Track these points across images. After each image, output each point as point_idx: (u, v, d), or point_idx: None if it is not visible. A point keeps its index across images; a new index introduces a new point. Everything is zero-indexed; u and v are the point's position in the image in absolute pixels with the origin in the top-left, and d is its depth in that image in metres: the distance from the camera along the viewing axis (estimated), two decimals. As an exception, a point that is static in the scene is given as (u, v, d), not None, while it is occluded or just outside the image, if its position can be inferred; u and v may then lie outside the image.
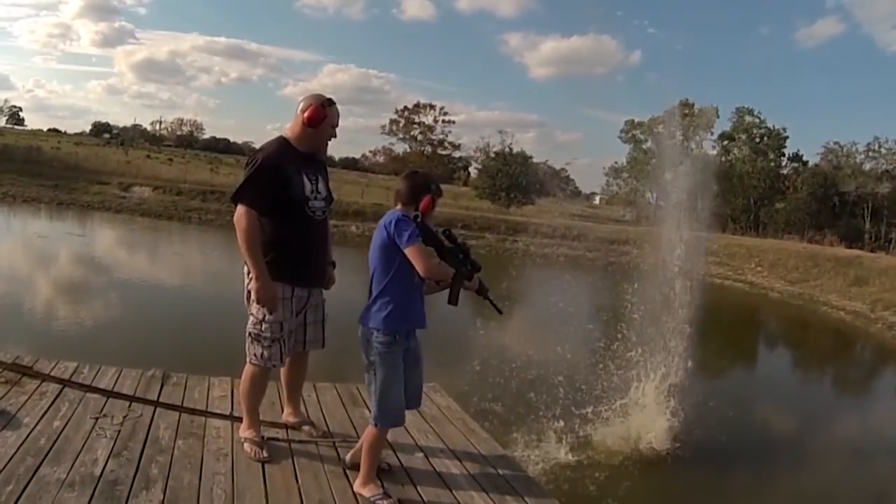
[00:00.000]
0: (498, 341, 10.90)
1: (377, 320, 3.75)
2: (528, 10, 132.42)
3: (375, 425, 3.82)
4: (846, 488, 8.47)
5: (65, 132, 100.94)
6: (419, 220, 3.70)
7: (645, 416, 8.70)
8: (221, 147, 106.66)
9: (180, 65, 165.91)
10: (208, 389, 5.11)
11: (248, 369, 4.13)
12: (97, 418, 4.30)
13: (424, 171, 4.12)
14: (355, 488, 3.82)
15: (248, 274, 3.98)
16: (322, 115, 4.01)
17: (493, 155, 61.44)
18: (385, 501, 3.72)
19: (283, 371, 4.40)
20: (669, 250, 10.81)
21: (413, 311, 3.83)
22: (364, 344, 3.81)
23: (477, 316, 11.37)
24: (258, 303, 3.96)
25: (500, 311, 4.17)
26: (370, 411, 3.89)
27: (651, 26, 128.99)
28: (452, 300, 3.87)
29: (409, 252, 3.59)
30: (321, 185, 4.15)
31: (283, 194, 3.97)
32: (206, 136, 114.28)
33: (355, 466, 3.95)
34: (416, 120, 68.38)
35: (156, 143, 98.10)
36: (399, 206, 3.79)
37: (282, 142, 4.10)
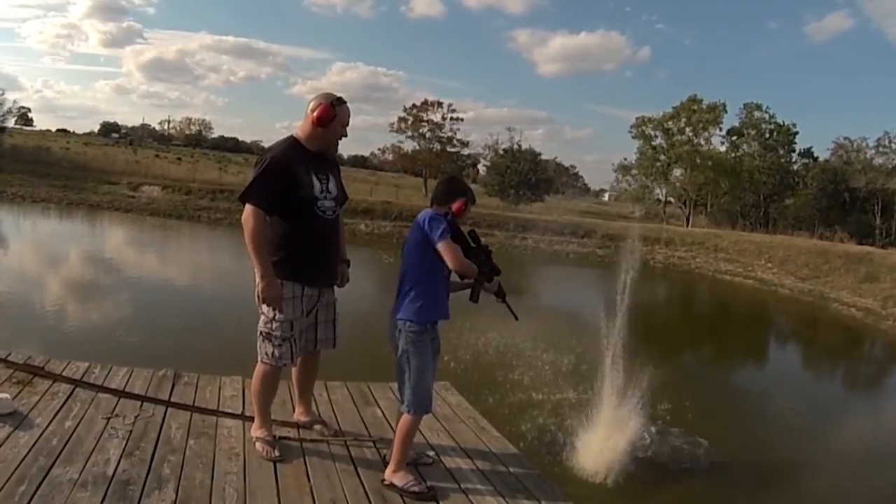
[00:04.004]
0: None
1: (410, 312, 3.90)
2: (537, 6, 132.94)
3: (410, 413, 3.93)
4: (859, 488, 8.39)
5: (73, 132, 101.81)
6: (449, 218, 3.86)
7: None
8: (230, 146, 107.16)
9: (189, 64, 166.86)
10: (220, 389, 5.13)
11: (259, 368, 4.14)
12: (109, 418, 4.31)
13: (461, 179, 4.41)
14: (386, 476, 3.90)
15: None
16: (332, 114, 4.00)
17: (501, 152, 61.31)
18: (419, 487, 3.82)
19: (294, 370, 4.41)
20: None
21: (441, 303, 4.01)
22: (396, 335, 3.94)
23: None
24: (263, 302, 3.97)
25: (516, 317, 4.25)
26: (402, 401, 4.00)
27: (659, 22, 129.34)
28: (474, 298, 4.07)
29: (441, 247, 3.76)
30: (332, 185, 4.14)
31: (292, 194, 3.97)
32: (215, 135, 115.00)
33: None
34: (425, 117, 68.06)
35: (164, 143, 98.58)
36: (434, 207, 3.94)
37: (291, 141, 4.09)
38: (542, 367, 9.78)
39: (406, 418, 3.94)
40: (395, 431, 4.11)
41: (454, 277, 4.01)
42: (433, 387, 4.12)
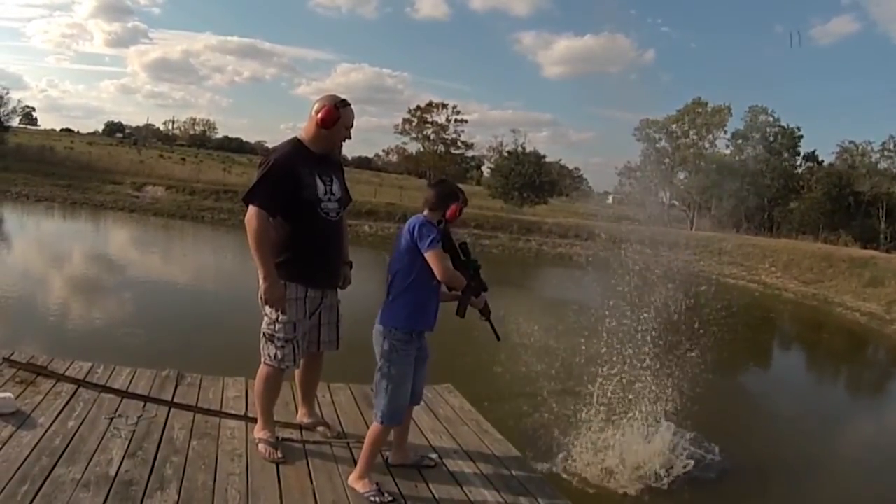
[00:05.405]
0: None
1: (397, 319, 3.84)
2: (542, 8, 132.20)
3: (382, 422, 3.88)
4: (867, 493, 8.33)
5: (78, 132, 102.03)
6: (442, 226, 3.78)
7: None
8: (234, 146, 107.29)
9: (193, 64, 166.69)
10: (223, 390, 5.13)
11: (262, 370, 4.14)
12: (112, 418, 4.32)
13: (452, 181, 4.26)
14: (349, 482, 3.85)
15: None
16: (335, 116, 4.00)
17: (505, 154, 61.34)
18: (379, 498, 3.73)
19: (297, 372, 4.41)
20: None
21: (429, 312, 3.92)
22: (379, 341, 3.87)
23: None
24: (266, 303, 3.97)
25: (498, 338, 4.26)
26: (377, 408, 3.92)
27: (665, 25, 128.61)
28: (460, 312, 4.02)
29: (429, 256, 3.68)
30: (335, 187, 4.14)
31: (295, 195, 3.97)
32: (219, 135, 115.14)
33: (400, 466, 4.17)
34: (429, 119, 68.28)
35: (168, 143, 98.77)
36: (426, 212, 3.84)
37: (295, 143, 4.10)
38: (547, 367, 9.75)
39: (376, 427, 3.89)
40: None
41: (444, 288, 3.93)
42: (426, 389, 4.09)
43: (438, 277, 3.72)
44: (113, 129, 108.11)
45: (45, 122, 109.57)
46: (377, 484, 3.81)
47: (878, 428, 11.90)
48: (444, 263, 3.70)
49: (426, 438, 4.69)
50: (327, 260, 4.19)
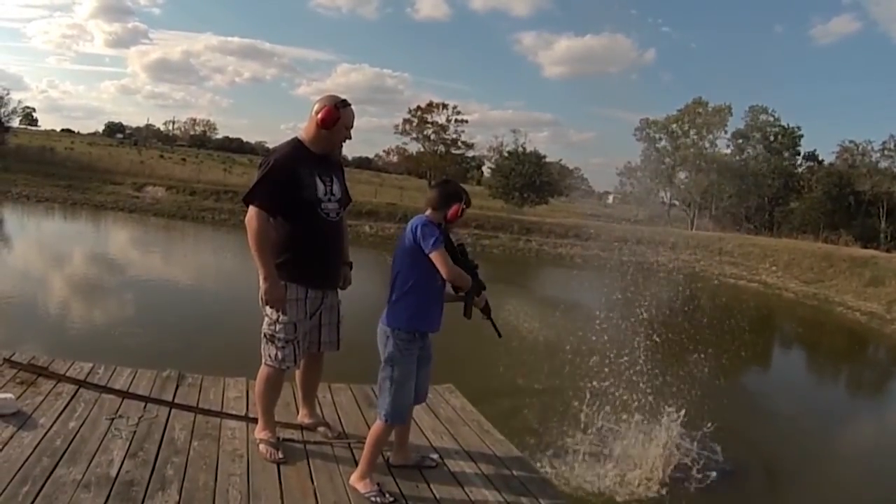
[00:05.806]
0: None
1: (400, 319, 3.84)
2: (542, 8, 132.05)
3: (386, 421, 3.88)
4: (868, 494, 8.31)
5: (78, 132, 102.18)
6: (442, 227, 3.77)
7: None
8: (234, 147, 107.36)
9: (194, 65, 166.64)
10: (223, 390, 5.12)
11: (262, 370, 4.14)
12: (113, 419, 4.31)
13: (455, 181, 4.24)
14: (351, 481, 3.85)
15: None
16: (335, 116, 4.00)
17: (506, 154, 61.21)
18: (380, 499, 3.73)
19: (298, 372, 4.40)
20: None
21: (432, 313, 3.92)
22: (383, 341, 3.88)
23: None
24: (266, 304, 3.97)
25: (499, 335, 4.27)
26: (381, 407, 3.92)
27: (665, 24, 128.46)
28: (467, 314, 4.02)
29: (434, 256, 3.67)
30: (336, 187, 4.14)
31: (295, 196, 3.97)
32: (220, 135, 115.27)
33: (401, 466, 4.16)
34: (430, 119, 68.14)
35: (169, 143, 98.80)
36: (428, 212, 3.84)
37: (295, 143, 4.09)
38: (547, 367, 9.75)
39: (379, 425, 3.89)
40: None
41: (448, 290, 3.92)
42: (430, 389, 4.08)
43: (444, 277, 3.72)
44: (113, 129, 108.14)
45: (46, 122, 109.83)
46: (378, 484, 3.80)
47: (879, 427, 11.90)
48: (449, 263, 3.70)
49: (427, 439, 4.68)
50: (327, 260, 4.19)
